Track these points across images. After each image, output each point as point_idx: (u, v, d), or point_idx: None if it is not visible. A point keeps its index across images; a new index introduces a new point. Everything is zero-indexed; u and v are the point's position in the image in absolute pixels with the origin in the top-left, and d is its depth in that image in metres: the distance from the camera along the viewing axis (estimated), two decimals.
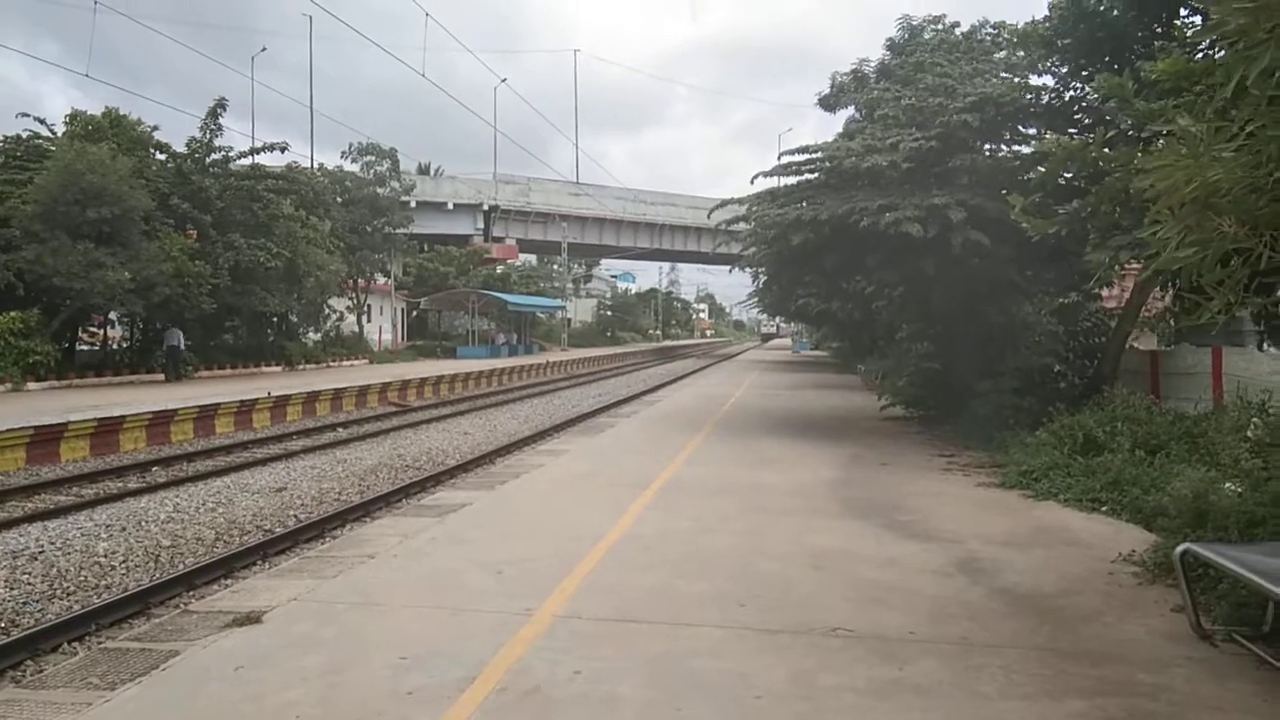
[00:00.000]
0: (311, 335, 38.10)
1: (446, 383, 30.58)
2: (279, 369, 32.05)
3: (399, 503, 11.76)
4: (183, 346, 27.02)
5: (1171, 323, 11.67)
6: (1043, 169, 13.06)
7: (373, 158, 45.73)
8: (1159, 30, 11.11)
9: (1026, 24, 12.27)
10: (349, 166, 45.43)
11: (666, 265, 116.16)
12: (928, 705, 4.22)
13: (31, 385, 22.08)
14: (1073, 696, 4.35)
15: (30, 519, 10.66)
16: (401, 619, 5.46)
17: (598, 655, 4.82)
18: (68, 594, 8.00)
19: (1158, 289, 12.16)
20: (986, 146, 13.82)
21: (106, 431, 16.03)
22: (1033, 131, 13.18)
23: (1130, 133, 7.24)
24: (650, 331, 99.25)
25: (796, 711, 4.16)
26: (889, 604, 5.72)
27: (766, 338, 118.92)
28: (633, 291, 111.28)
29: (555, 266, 78.01)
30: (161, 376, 26.60)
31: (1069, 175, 6.63)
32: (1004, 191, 13.04)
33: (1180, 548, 5.40)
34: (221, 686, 4.44)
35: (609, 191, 72.05)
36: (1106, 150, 6.27)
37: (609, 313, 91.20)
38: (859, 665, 4.69)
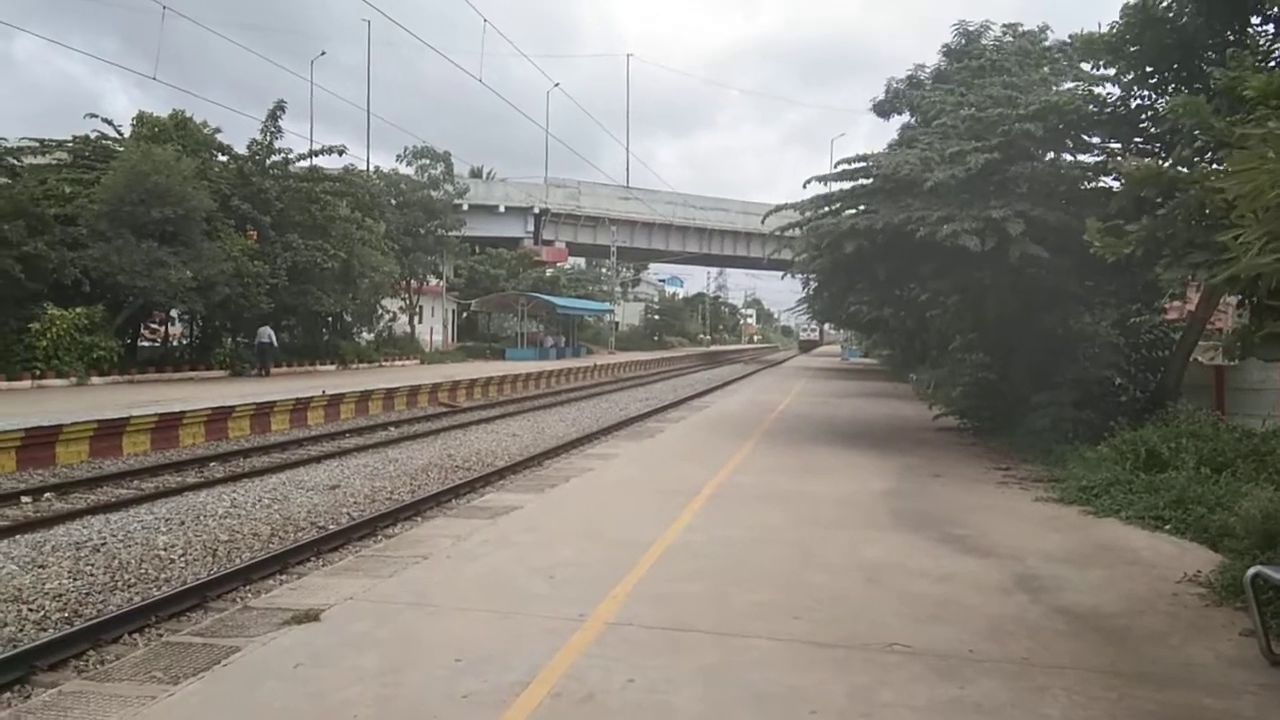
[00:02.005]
0: (365, 335, 38.68)
1: (495, 384, 30.81)
2: (333, 368, 32.56)
3: (449, 503, 11.88)
4: (274, 343, 27.92)
5: (1235, 337, 11.25)
6: (1108, 179, 12.83)
7: (427, 161, 46.35)
8: (1230, 37, 10.83)
9: (1092, 31, 12.02)
10: (404, 169, 46.14)
11: (714, 270, 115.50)
12: None
13: (95, 380, 22.69)
14: None
15: (93, 511, 10.93)
16: (456, 621, 5.50)
17: (651, 664, 4.81)
18: (128, 586, 8.18)
19: (1229, 299, 11.83)
20: (1048, 155, 13.57)
21: (167, 427, 16.40)
22: (1096, 140, 12.92)
23: (1204, 148, 7.05)
24: (700, 336, 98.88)
25: None
26: (946, 620, 5.63)
27: (807, 345, 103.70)
28: (680, 296, 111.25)
29: (604, 270, 78.26)
30: (222, 373, 27.31)
31: (1141, 194, 6.46)
32: (1064, 202, 12.84)
33: (1251, 570, 5.25)
34: (281, 684, 4.51)
35: (659, 196, 72.13)
36: (1183, 170, 6.11)
37: (656, 317, 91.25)
38: (918, 683, 4.62)
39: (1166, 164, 6.78)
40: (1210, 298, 12.85)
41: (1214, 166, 7.11)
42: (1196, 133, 7.23)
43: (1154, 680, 4.77)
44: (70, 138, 28.15)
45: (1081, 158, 13.58)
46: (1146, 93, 12.11)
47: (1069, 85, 13.57)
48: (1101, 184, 13.31)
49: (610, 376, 43.65)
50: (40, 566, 8.54)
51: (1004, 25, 19.83)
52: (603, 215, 69.13)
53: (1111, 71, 12.33)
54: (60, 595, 7.75)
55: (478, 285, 55.73)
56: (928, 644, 5.18)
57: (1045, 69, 15.48)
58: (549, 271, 64.89)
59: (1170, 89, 11.56)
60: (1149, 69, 11.73)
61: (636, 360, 53.11)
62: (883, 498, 9.95)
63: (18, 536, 9.64)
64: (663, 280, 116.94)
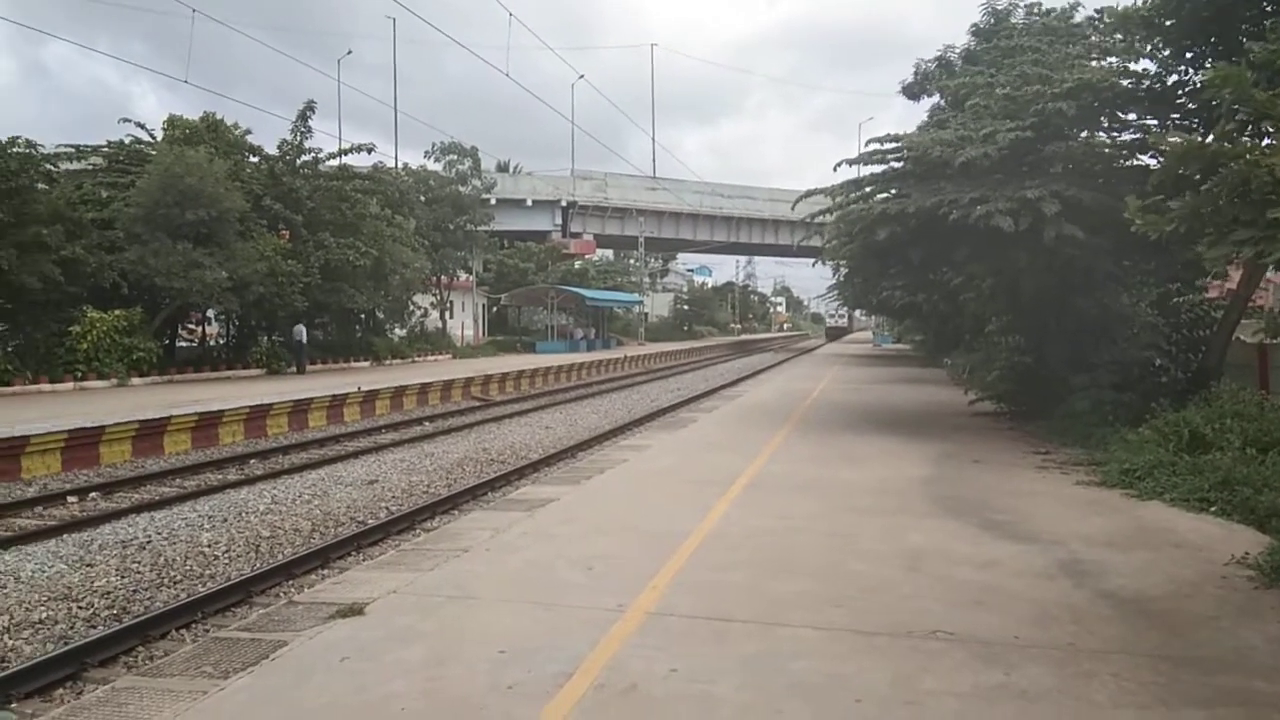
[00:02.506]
0: (397, 331, 38.97)
1: (527, 377, 30.94)
2: (367, 364, 32.84)
3: (485, 496, 11.96)
4: (305, 341, 28.38)
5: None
6: (1144, 157, 12.61)
7: (455, 157, 46.52)
8: (1268, 9, 10.59)
9: (1127, 5, 11.81)
10: (432, 165, 46.35)
11: (743, 259, 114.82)
12: (1037, 713, 4.10)
13: (135, 380, 23.06)
14: (1189, 706, 4.19)
15: (138, 509, 11.13)
16: (498, 613, 5.53)
17: (692, 654, 4.81)
18: (175, 582, 8.32)
19: (1271, 276, 11.61)
20: (1082, 134, 13.36)
21: (206, 425, 16.64)
22: (1133, 117, 12.69)
23: (1246, 122, 6.90)
24: (731, 325, 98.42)
25: (900, 717, 4.08)
26: (989, 607, 5.58)
27: (835, 333, 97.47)
28: (709, 285, 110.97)
29: (632, 261, 78.24)
30: (258, 371, 27.72)
31: (1182, 170, 6.34)
32: (1100, 181, 12.64)
33: None
34: (328, 678, 4.56)
35: (686, 186, 71.91)
36: (1227, 145, 5.98)
37: (685, 307, 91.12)
38: (962, 670, 4.58)
39: (1207, 139, 6.65)
40: (1253, 275, 12.62)
41: (1256, 142, 6.95)
42: (1236, 107, 7.08)
43: (1203, 664, 4.70)
44: (105, 143, 28.58)
45: (1117, 135, 13.35)
46: (1183, 68, 11.88)
47: (1099, 63, 13.33)
48: (1138, 162, 13.09)
49: (641, 368, 43.68)
50: (88, 565, 8.71)
51: (1026, 5, 19.58)
52: (630, 206, 69.04)
53: (1145, 48, 12.10)
54: (109, 593, 7.90)
55: (507, 279, 55.97)
56: (971, 631, 5.14)
57: (1074, 48, 15.22)
58: (577, 264, 65.03)
59: (1208, 64, 11.32)
60: (1185, 43, 11.50)
61: (667, 351, 53.10)
62: (921, 484, 9.87)
63: (65, 536, 9.84)
64: (691, 270, 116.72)
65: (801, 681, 4.46)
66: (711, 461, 11.58)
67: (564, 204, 66.59)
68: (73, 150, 27.26)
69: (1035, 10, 19.41)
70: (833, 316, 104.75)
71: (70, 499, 11.86)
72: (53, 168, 24.48)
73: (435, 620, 5.39)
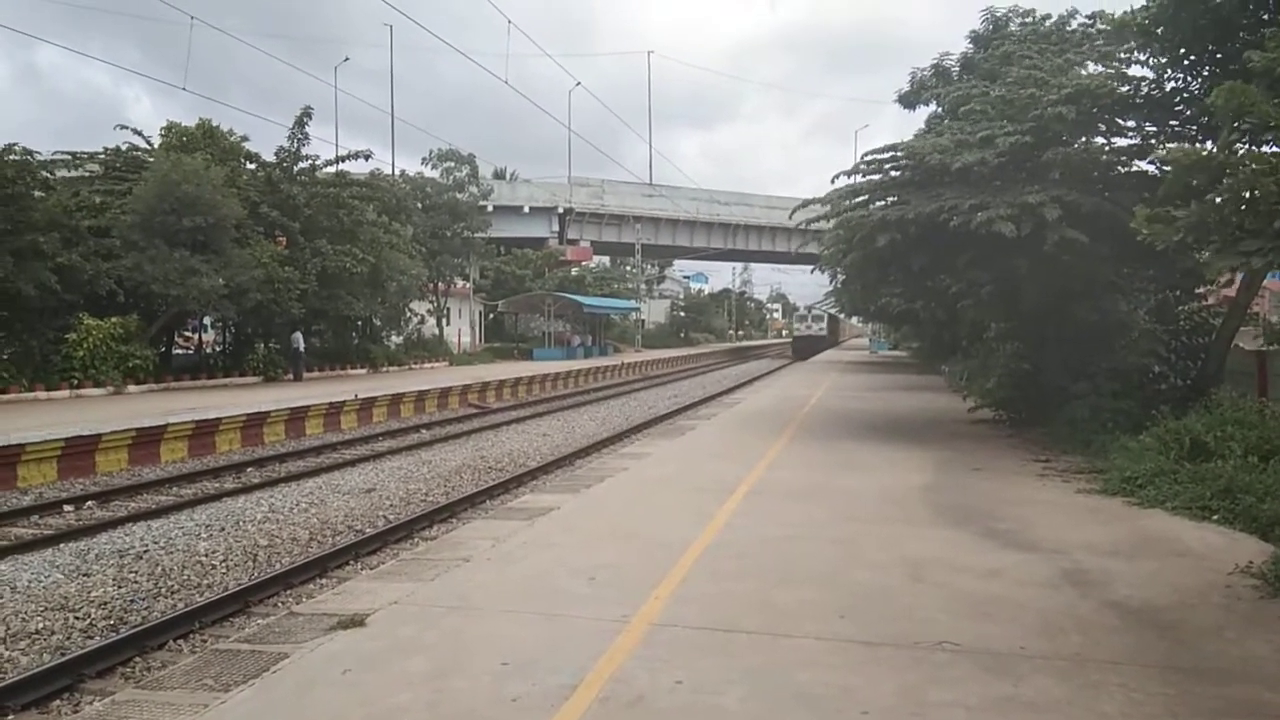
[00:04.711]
0: (394, 338, 38.85)
1: (524, 384, 30.89)
2: (364, 371, 32.75)
3: (484, 504, 11.92)
4: (302, 348, 28.34)
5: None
6: (1142, 163, 12.62)
7: (452, 164, 46.43)
8: (1266, 17, 10.60)
9: (1123, 14, 11.82)
10: (429, 172, 46.24)
11: (739, 265, 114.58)
12: None
13: (131, 388, 22.95)
14: (1199, 717, 4.18)
15: (134, 518, 11.08)
16: (500, 624, 5.49)
17: (698, 665, 4.77)
18: (172, 592, 8.28)
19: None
20: (1080, 139, 13.37)
21: (203, 433, 16.57)
22: (1131, 124, 12.70)
23: (1247, 131, 6.88)
24: (731, 333, 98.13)
25: None
26: (995, 617, 5.55)
27: (809, 346, 65.14)
28: (705, 292, 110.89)
29: (629, 268, 78.23)
30: (255, 378, 27.61)
31: (1191, 181, 6.32)
32: (1099, 187, 12.66)
33: None
34: (331, 690, 4.52)
35: (683, 192, 71.92)
36: (1230, 155, 5.97)
37: (682, 314, 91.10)
38: (969, 681, 4.55)
39: (1210, 148, 6.65)
40: (1252, 282, 12.64)
41: (1259, 151, 6.93)
42: (1238, 121, 7.04)
43: (1212, 675, 4.67)
44: (101, 149, 28.44)
45: (1116, 141, 13.37)
46: (1181, 75, 11.89)
47: (1096, 69, 13.35)
48: (1137, 168, 13.11)
49: (638, 374, 43.65)
50: (85, 574, 8.66)
51: (1020, 22, 19.62)
52: (627, 213, 69.05)
53: (1143, 56, 12.12)
54: (105, 603, 7.86)
55: (504, 286, 55.87)
56: (977, 641, 5.11)
57: (1068, 55, 15.23)
58: (574, 271, 64.93)
59: (1205, 71, 11.35)
60: (1182, 51, 11.51)
61: (663, 358, 53.07)
62: (922, 492, 9.84)
63: (62, 545, 9.78)
64: (687, 276, 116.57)
65: (808, 693, 4.43)
66: (712, 469, 11.54)
67: (561, 211, 66.56)
68: (69, 157, 27.18)
69: (1030, 20, 19.46)
70: (806, 322, 71.67)
71: (66, 508, 11.79)
72: (49, 175, 24.38)
73: (437, 631, 5.35)
